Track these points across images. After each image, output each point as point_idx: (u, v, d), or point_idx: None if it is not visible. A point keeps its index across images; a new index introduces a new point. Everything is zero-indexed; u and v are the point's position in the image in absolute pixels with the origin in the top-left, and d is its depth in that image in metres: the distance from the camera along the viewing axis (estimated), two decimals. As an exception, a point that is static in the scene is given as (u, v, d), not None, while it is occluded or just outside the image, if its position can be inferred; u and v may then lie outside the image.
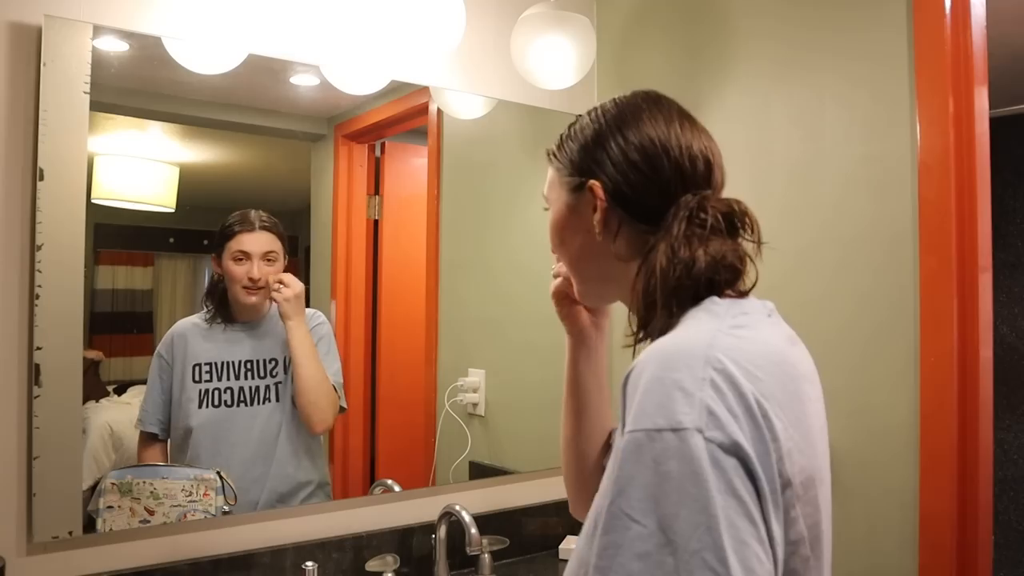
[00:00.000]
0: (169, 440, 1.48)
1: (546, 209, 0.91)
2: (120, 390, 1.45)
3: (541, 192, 0.92)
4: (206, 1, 1.47)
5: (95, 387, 1.38)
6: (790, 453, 0.64)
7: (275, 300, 1.52)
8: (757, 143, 1.64)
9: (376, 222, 1.74)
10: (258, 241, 1.52)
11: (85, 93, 1.32)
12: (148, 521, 1.38)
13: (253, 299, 1.52)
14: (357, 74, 1.66)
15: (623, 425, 0.66)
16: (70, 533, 1.31)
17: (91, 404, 1.37)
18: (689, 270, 0.73)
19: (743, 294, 0.77)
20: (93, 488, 1.36)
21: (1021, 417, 2.92)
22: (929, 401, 1.32)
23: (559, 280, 1.01)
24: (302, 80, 1.61)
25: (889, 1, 1.41)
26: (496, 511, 1.78)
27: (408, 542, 1.64)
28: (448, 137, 1.83)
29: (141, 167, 1.45)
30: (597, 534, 0.64)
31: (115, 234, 1.44)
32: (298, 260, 1.62)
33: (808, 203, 1.54)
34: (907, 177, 1.38)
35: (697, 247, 0.74)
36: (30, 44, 1.30)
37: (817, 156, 1.53)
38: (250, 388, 1.52)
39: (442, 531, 1.59)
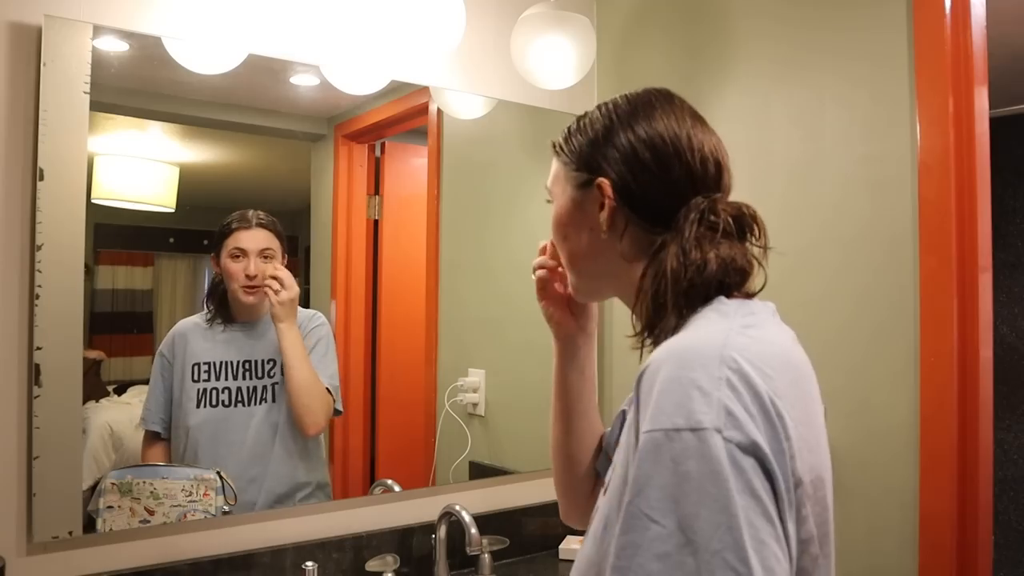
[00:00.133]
0: (171, 439, 1.48)
1: (549, 202, 0.90)
2: (120, 390, 1.45)
3: (544, 185, 0.91)
4: (206, 1, 1.47)
5: (95, 387, 1.38)
6: (801, 452, 0.64)
7: (269, 299, 1.51)
8: (757, 143, 1.64)
9: (376, 222, 1.74)
10: (255, 238, 1.52)
11: (85, 93, 1.32)
12: (148, 521, 1.38)
13: (251, 299, 1.52)
14: (357, 74, 1.66)
15: (636, 424, 0.66)
16: (70, 533, 1.31)
17: (91, 404, 1.37)
18: (700, 272, 0.73)
19: (749, 296, 0.77)
20: (93, 488, 1.36)
21: (1021, 417, 2.92)
22: (929, 401, 1.32)
23: (540, 274, 1.00)
24: (302, 80, 1.61)
25: (889, 1, 1.41)
26: (496, 511, 1.78)
27: (408, 542, 1.64)
28: (448, 137, 1.83)
29: (141, 167, 1.45)
30: (615, 534, 0.63)
31: (115, 234, 1.44)
32: (298, 260, 1.62)
33: (808, 203, 1.54)
34: (907, 177, 1.38)
35: (708, 249, 0.74)
36: (30, 44, 1.30)
37: (817, 156, 1.53)
38: (248, 388, 1.52)
39: (442, 531, 1.59)
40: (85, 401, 1.34)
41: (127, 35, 1.39)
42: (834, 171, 1.50)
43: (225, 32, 1.50)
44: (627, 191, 0.80)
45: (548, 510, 1.85)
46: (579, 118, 0.88)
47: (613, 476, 0.72)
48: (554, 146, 0.89)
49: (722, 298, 0.74)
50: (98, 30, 1.35)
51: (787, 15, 1.60)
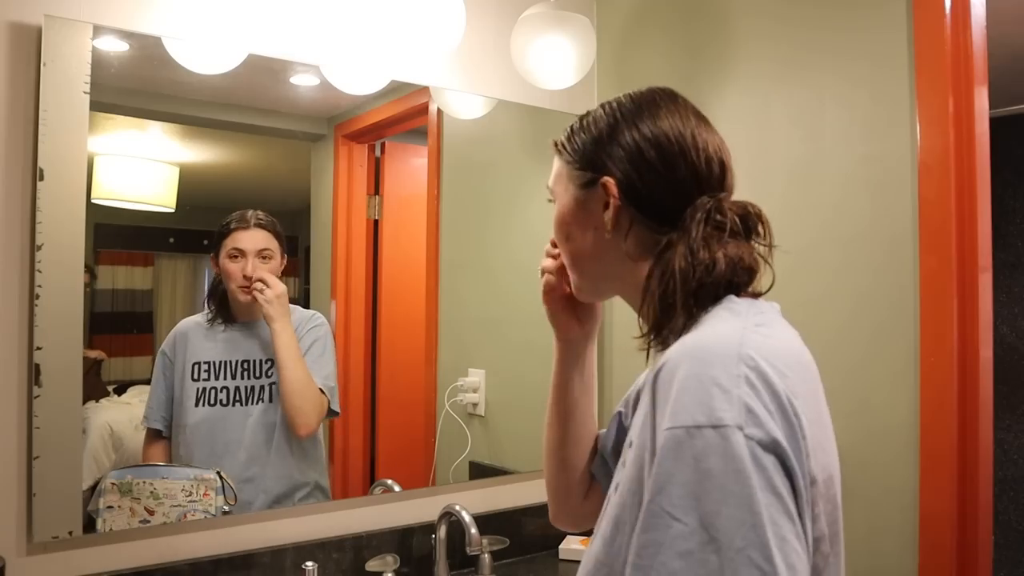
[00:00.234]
0: (172, 437, 1.48)
1: (550, 201, 0.90)
2: (120, 390, 1.45)
3: (546, 184, 0.90)
4: (206, 1, 1.47)
5: (95, 387, 1.38)
6: (815, 450, 0.64)
7: (257, 300, 1.51)
8: (757, 143, 1.64)
9: (376, 222, 1.74)
10: (253, 239, 1.52)
11: (85, 93, 1.32)
12: (148, 521, 1.38)
13: (249, 298, 1.52)
14: (357, 74, 1.66)
15: (653, 422, 0.65)
16: (70, 533, 1.31)
17: (91, 404, 1.37)
18: (709, 271, 0.73)
19: (756, 295, 0.77)
20: (93, 488, 1.36)
21: (1021, 417, 2.92)
22: (929, 401, 1.32)
23: (547, 277, 0.98)
24: (302, 80, 1.61)
25: (889, 1, 1.41)
26: (496, 511, 1.78)
27: (408, 542, 1.64)
28: (448, 137, 1.83)
29: (141, 167, 1.45)
30: (634, 532, 0.63)
31: (115, 234, 1.44)
32: (298, 260, 1.62)
33: (808, 203, 1.54)
34: (907, 177, 1.38)
35: (716, 249, 0.74)
36: (30, 44, 1.30)
37: (817, 156, 1.53)
38: (245, 388, 1.52)
39: (442, 531, 1.59)
40: (85, 401, 1.34)
41: (127, 35, 1.39)
42: (834, 171, 1.50)
43: (225, 32, 1.50)
44: (632, 190, 0.79)
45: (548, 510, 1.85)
46: (582, 117, 0.87)
47: (623, 475, 0.71)
48: (556, 145, 0.88)
49: (732, 297, 0.74)
50: (98, 30, 1.35)
51: (787, 15, 1.60)
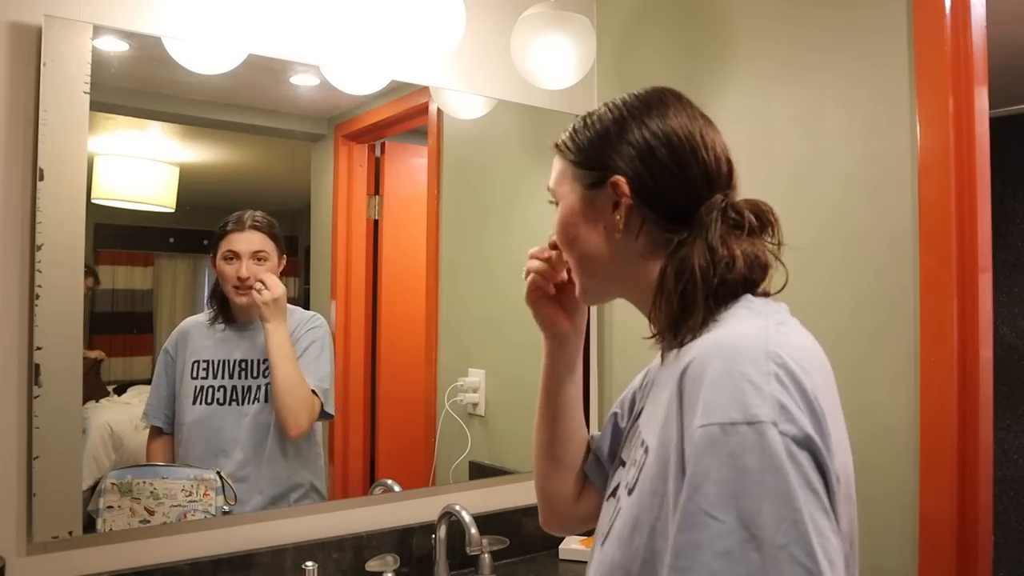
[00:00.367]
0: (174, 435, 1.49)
1: (551, 202, 0.88)
2: (120, 390, 1.45)
3: (546, 186, 0.89)
4: (206, 1, 1.47)
5: (95, 387, 1.38)
6: (837, 449, 0.65)
7: (255, 301, 1.51)
8: (757, 143, 1.64)
9: (376, 222, 1.74)
10: (247, 240, 1.52)
11: (85, 93, 1.32)
12: (148, 521, 1.38)
13: (243, 299, 1.52)
14: (357, 74, 1.66)
15: (680, 421, 0.65)
16: (70, 533, 1.31)
17: (91, 404, 1.37)
18: (729, 268, 0.73)
19: (766, 294, 0.77)
20: (93, 488, 1.36)
21: (1021, 417, 2.92)
22: (929, 401, 1.32)
23: (532, 278, 0.97)
24: (302, 80, 1.61)
25: (889, 1, 1.41)
26: (496, 511, 1.78)
27: (408, 542, 1.64)
28: (448, 137, 1.83)
29: (141, 167, 1.45)
30: (672, 532, 0.62)
31: (115, 234, 1.44)
32: (298, 260, 1.62)
33: (808, 203, 1.54)
34: (907, 177, 1.38)
35: (735, 246, 0.74)
36: (30, 44, 1.30)
37: (817, 156, 1.53)
38: (242, 388, 1.52)
39: (442, 531, 1.59)
40: (85, 401, 1.34)
41: (127, 35, 1.39)
42: (834, 171, 1.50)
43: (225, 32, 1.50)
44: (644, 189, 0.79)
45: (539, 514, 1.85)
46: (585, 116, 0.86)
47: (641, 476, 0.71)
48: (558, 145, 0.87)
49: (749, 296, 0.75)
50: (98, 30, 1.35)
51: (787, 15, 1.60)
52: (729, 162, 0.81)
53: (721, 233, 0.75)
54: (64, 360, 1.30)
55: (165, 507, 1.40)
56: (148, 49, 1.41)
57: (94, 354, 1.39)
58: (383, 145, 1.76)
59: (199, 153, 1.53)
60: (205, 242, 1.54)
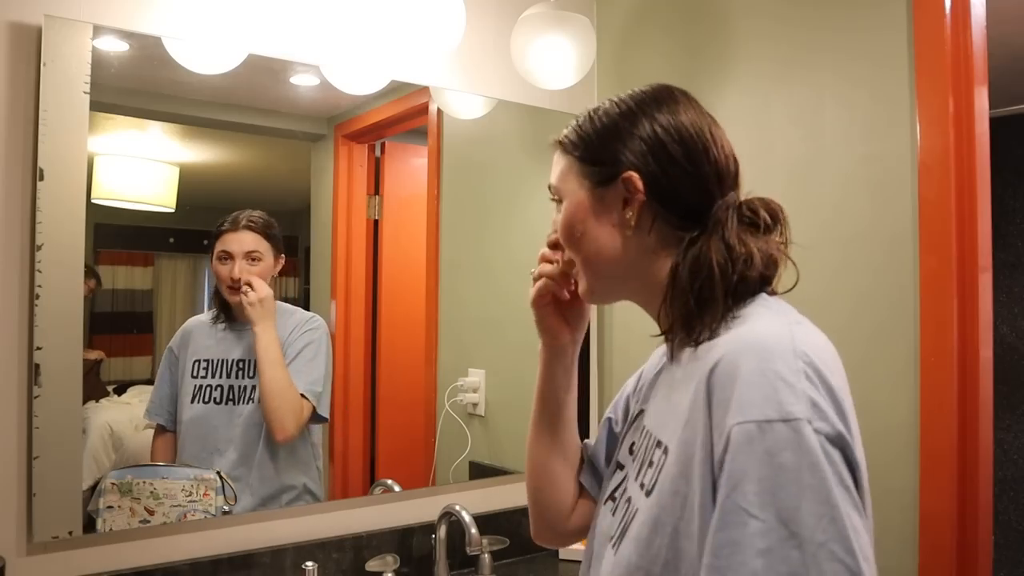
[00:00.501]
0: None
1: (554, 200, 0.86)
2: (120, 390, 1.45)
3: (548, 184, 0.87)
4: (206, 1, 1.47)
5: (95, 387, 1.38)
6: (858, 446, 0.65)
7: (242, 303, 1.51)
8: (757, 143, 1.64)
9: (376, 222, 1.74)
10: (240, 241, 1.52)
11: (85, 93, 1.32)
12: (148, 521, 1.38)
13: (236, 299, 1.52)
14: (357, 74, 1.66)
15: (707, 419, 0.65)
16: (70, 533, 1.31)
17: (91, 404, 1.37)
18: (748, 266, 0.73)
19: (773, 293, 0.77)
20: (93, 488, 1.36)
21: (1021, 417, 2.92)
22: (929, 401, 1.32)
23: (544, 283, 0.93)
24: (302, 80, 1.61)
25: (889, 1, 1.41)
26: (496, 511, 1.78)
27: (408, 542, 1.64)
28: (448, 137, 1.83)
29: (141, 167, 1.45)
30: (711, 531, 0.62)
31: (115, 234, 1.44)
32: (298, 260, 1.62)
33: (808, 203, 1.54)
34: (907, 177, 1.38)
35: (751, 244, 0.74)
36: (30, 44, 1.30)
37: (817, 156, 1.53)
38: (238, 387, 1.52)
39: (442, 531, 1.59)
40: (85, 401, 1.34)
41: (127, 35, 1.39)
42: (834, 171, 1.50)
43: (225, 32, 1.50)
44: (657, 185, 0.77)
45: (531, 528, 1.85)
46: (590, 112, 0.84)
47: (662, 476, 0.70)
48: (562, 141, 0.85)
49: (763, 294, 0.74)
50: (98, 30, 1.35)
51: (787, 15, 1.60)
52: (736, 161, 0.81)
53: (737, 230, 0.75)
54: (64, 360, 1.30)
55: (165, 507, 1.40)
56: (148, 49, 1.41)
57: (94, 354, 1.39)
58: (383, 145, 1.76)
59: (199, 153, 1.53)
60: (205, 242, 1.54)
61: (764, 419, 0.60)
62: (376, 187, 1.74)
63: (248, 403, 1.52)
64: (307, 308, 1.62)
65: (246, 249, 1.52)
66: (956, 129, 1.32)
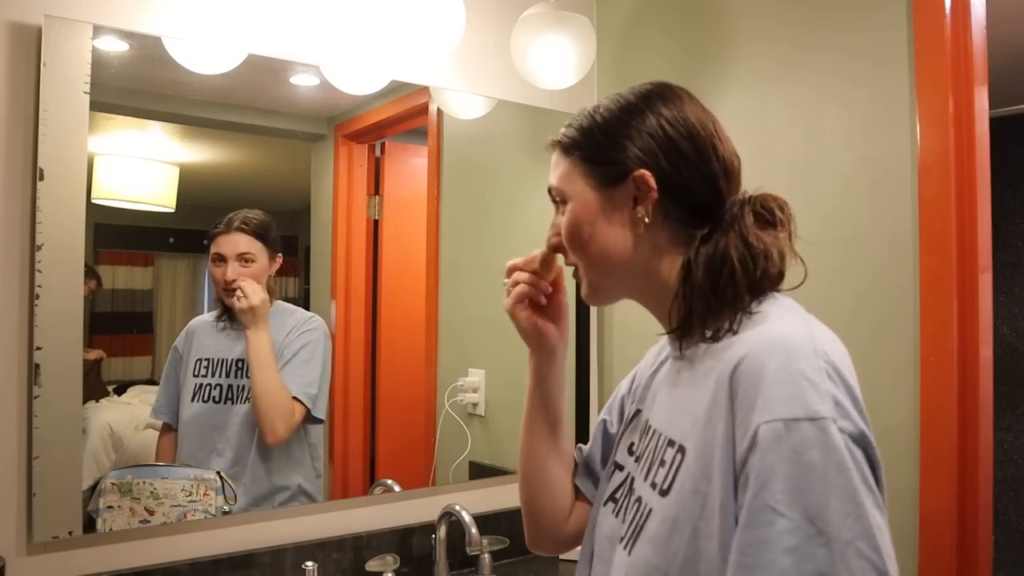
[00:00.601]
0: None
1: (557, 202, 0.85)
2: (120, 390, 1.45)
3: (549, 186, 0.86)
4: (206, 1, 1.47)
5: (95, 387, 1.38)
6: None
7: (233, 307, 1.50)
8: (757, 143, 1.64)
9: (376, 222, 1.74)
10: (232, 243, 1.51)
11: (85, 93, 1.32)
12: (148, 521, 1.38)
13: (232, 301, 1.52)
14: (357, 74, 1.66)
15: (731, 418, 0.65)
16: (70, 533, 1.31)
17: (91, 404, 1.37)
18: (768, 262, 0.73)
19: (778, 290, 0.77)
20: (93, 488, 1.36)
21: (1021, 417, 2.92)
22: (929, 401, 1.32)
23: (524, 288, 0.91)
24: (302, 80, 1.61)
25: (889, 1, 1.41)
26: (496, 511, 1.78)
27: (408, 542, 1.64)
28: (448, 137, 1.83)
29: (141, 167, 1.45)
30: (738, 529, 0.62)
31: (115, 234, 1.44)
32: (298, 260, 1.62)
33: (808, 203, 1.54)
34: (907, 177, 1.38)
35: (768, 240, 0.74)
36: (30, 44, 1.30)
37: (817, 156, 1.53)
38: (237, 387, 1.52)
39: (442, 531, 1.59)
40: (85, 401, 1.34)
41: (127, 35, 1.39)
42: (834, 171, 1.50)
43: (225, 32, 1.50)
44: (668, 182, 0.77)
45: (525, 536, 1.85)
46: (590, 111, 0.83)
47: (680, 475, 0.70)
48: (561, 141, 0.84)
49: (775, 293, 0.74)
50: (98, 30, 1.35)
51: (787, 15, 1.60)
52: (738, 156, 0.81)
53: (754, 227, 0.75)
54: (64, 360, 1.30)
55: (165, 507, 1.40)
56: (148, 49, 1.41)
57: (94, 354, 1.39)
58: (383, 145, 1.76)
59: (199, 153, 1.53)
60: (205, 242, 1.54)
61: (791, 417, 0.61)
62: (376, 187, 1.74)
63: (245, 402, 1.52)
64: (307, 308, 1.62)
65: (239, 251, 1.51)
66: (956, 129, 1.32)
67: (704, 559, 0.65)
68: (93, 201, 1.35)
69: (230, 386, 1.51)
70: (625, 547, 0.75)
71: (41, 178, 1.29)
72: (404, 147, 1.81)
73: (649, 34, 1.92)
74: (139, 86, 1.42)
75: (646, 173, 0.77)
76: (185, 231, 1.54)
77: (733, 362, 0.67)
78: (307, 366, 1.57)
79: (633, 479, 0.82)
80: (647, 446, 0.80)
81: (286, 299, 1.60)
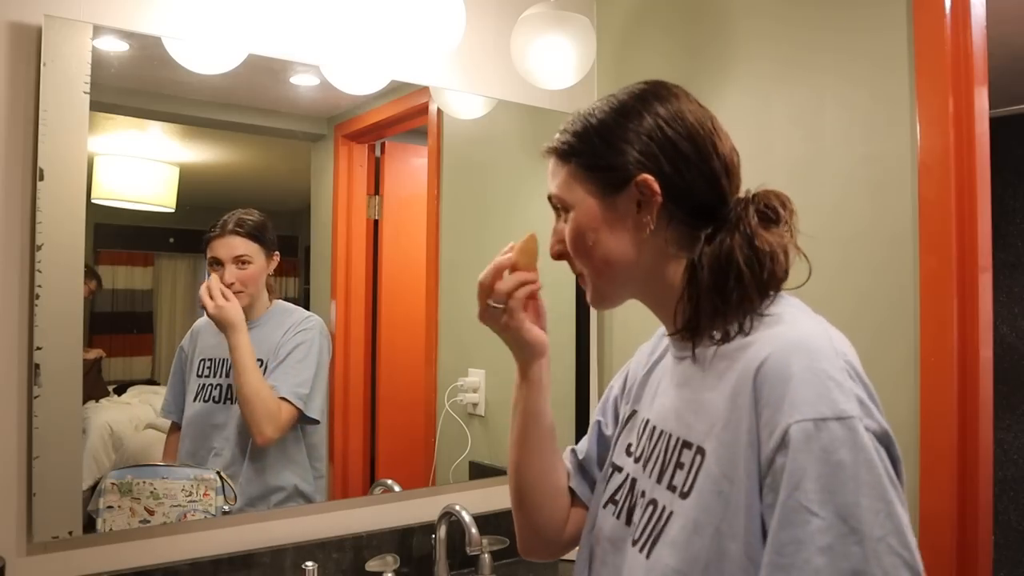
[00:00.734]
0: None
1: (558, 208, 0.83)
2: (120, 390, 1.45)
3: (548, 195, 0.84)
4: (206, 1, 1.47)
5: (95, 387, 1.38)
6: None
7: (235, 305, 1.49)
8: (757, 143, 1.63)
9: (376, 222, 1.74)
10: (228, 246, 1.51)
11: (85, 93, 1.32)
12: (148, 521, 1.38)
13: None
14: (357, 74, 1.66)
15: (755, 419, 0.65)
16: (70, 533, 1.31)
17: (91, 404, 1.37)
18: (774, 261, 0.73)
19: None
20: (93, 488, 1.36)
21: (1021, 417, 2.92)
22: (929, 401, 1.32)
23: (526, 290, 0.89)
24: (302, 80, 1.61)
25: (889, 1, 1.41)
26: (496, 511, 1.78)
27: (408, 542, 1.64)
28: (448, 137, 1.83)
29: (141, 167, 1.45)
30: (772, 530, 0.62)
31: (115, 234, 1.44)
32: (298, 260, 1.62)
33: (808, 203, 1.52)
34: (907, 177, 1.38)
35: (774, 240, 0.74)
36: (30, 44, 1.30)
37: (817, 156, 1.53)
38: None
39: (442, 531, 1.59)
40: (85, 401, 1.34)
41: (127, 35, 1.39)
42: (834, 171, 1.50)
43: (225, 32, 1.50)
44: (671, 185, 0.76)
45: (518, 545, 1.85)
46: (585, 115, 0.81)
47: (700, 477, 0.69)
48: (558, 148, 0.82)
49: (782, 293, 0.74)
50: (98, 30, 1.35)
51: (787, 15, 1.60)
52: (737, 153, 0.80)
53: (758, 227, 0.74)
54: (64, 360, 1.30)
55: (165, 507, 1.40)
56: (148, 49, 1.41)
57: (94, 353, 1.39)
58: (383, 145, 1.76)
59: (199, 153, 1.53)
60: (201, 246, 1.54)
61: (820, 417, 0.61)
62: (376, 187, 1.74)
63: None
64: (307, 308, 1.62)
65: (235, 254, 1.51)
66: (956, 129, 1.32)
67: (728, 559, 0.65)
68: (93, 201, 1.35)
69: (230, 386, 1.51)
70: (641, 550, 0.74)
71: (41, 178, 1.29)
72: (404, 147, 1.81)
73: (649, 34, 1.92)
74: (139, 86, 1.42)
75: (649, 178, 0.76)
76: (185, 231, 1.54)
77: (755, 363, 0.66)
78: (300, 366, 1.56)
79: (635, 480, 0.81)
80: (653, 448, 0.79)
81: (286, 299, 1.60)
